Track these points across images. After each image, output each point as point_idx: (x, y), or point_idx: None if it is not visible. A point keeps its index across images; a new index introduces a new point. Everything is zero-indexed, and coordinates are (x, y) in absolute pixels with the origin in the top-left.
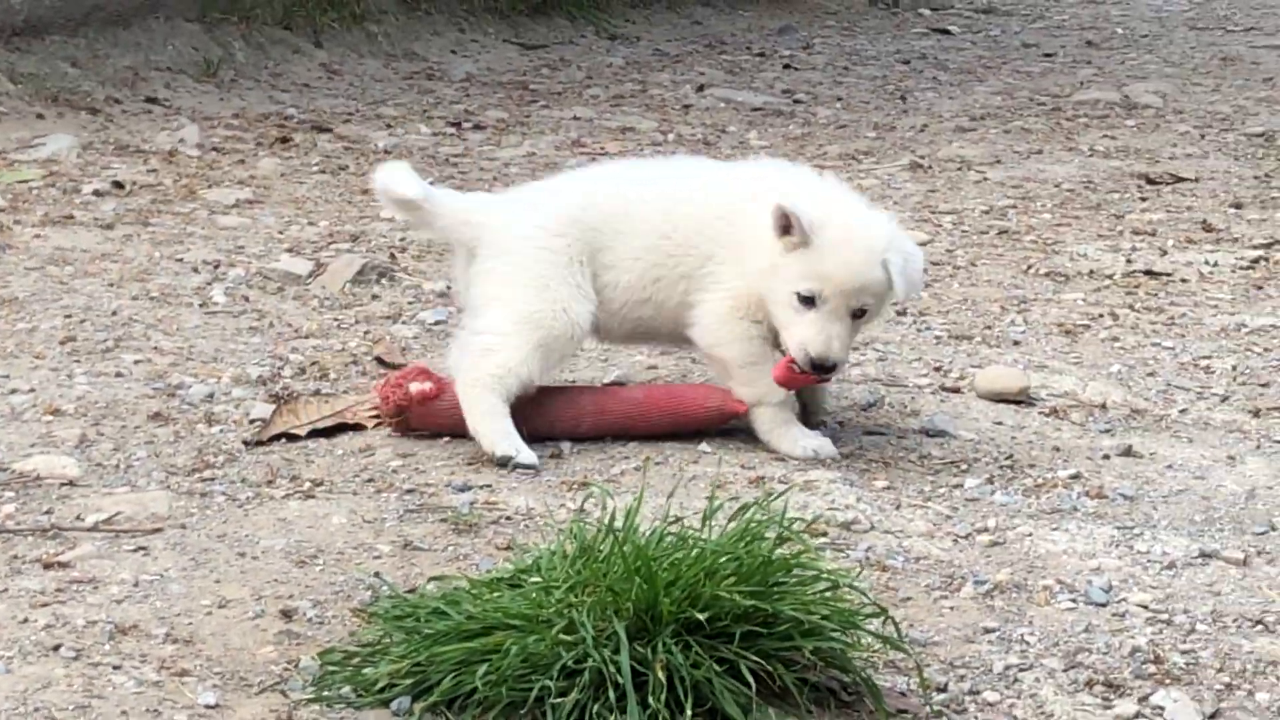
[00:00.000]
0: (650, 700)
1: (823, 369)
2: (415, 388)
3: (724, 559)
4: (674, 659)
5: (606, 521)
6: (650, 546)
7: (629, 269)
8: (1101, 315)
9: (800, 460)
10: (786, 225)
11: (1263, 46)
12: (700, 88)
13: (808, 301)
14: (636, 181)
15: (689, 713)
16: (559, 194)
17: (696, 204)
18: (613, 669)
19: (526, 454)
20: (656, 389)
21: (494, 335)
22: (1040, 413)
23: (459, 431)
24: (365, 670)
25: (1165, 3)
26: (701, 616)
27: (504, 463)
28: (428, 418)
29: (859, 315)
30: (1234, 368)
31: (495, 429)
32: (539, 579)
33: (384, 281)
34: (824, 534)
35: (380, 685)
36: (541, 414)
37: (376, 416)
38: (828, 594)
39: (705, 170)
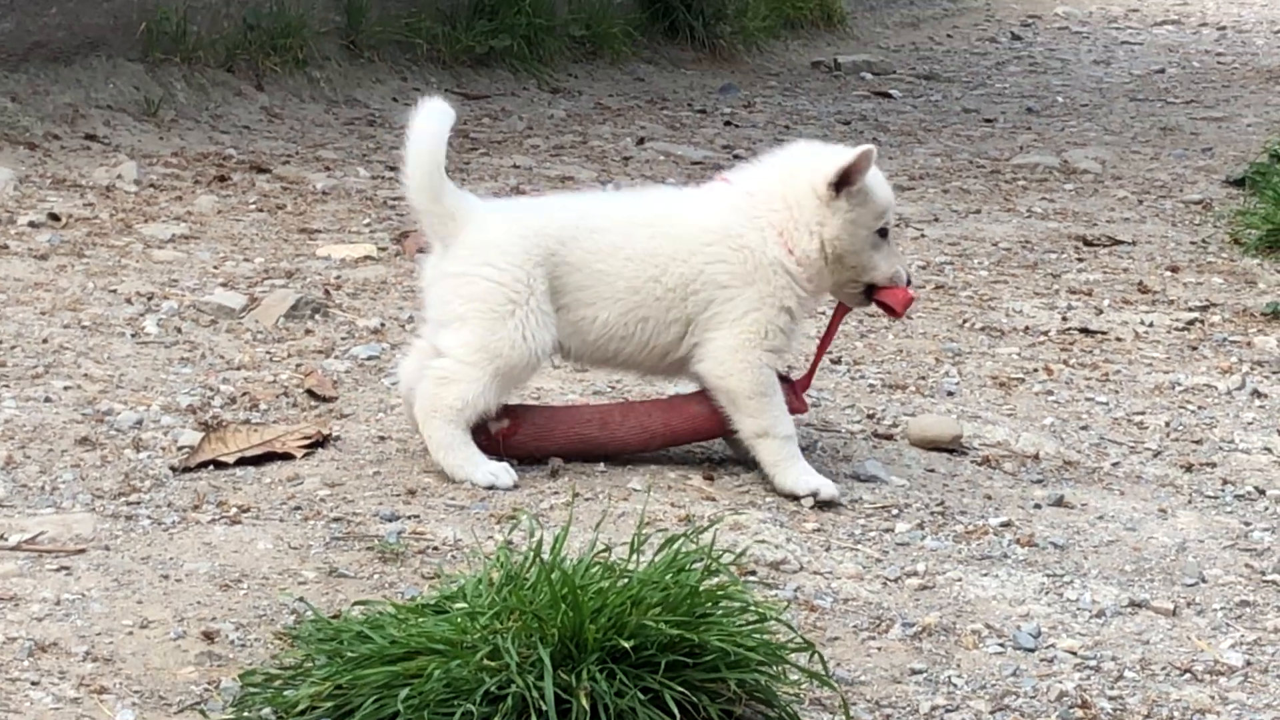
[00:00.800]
0: None
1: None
2: (494, 427)
3: (651, 589)
4: (598, 687)
5: (533, 550)
6: (577, 575)
7: (607, 308)
8: (1036, 370)
9: (800, 497)
10: (846, 179)
11: (1202, 119)
12: (640, 140)
13: (883, 233)
14: (619, 218)
15: None
16: (544, 215)
17: (684, 245)
18: (536, 695)
19: (503, 477)
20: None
21: (453, 363)
22: (973, 461)
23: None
24: (286, 692)
25: (1106, 74)
26: (627, 645)
27: (489, 487)
28: (525, 446)
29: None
30: (1167, 424)
31: (460, 460)
32: (464, 605)
33: (317, 317)
34: (753, 572)
35: (301, 707)
36: (610, 434)
37: (306, 445)
38: (755, 627)
39: (681, 204)
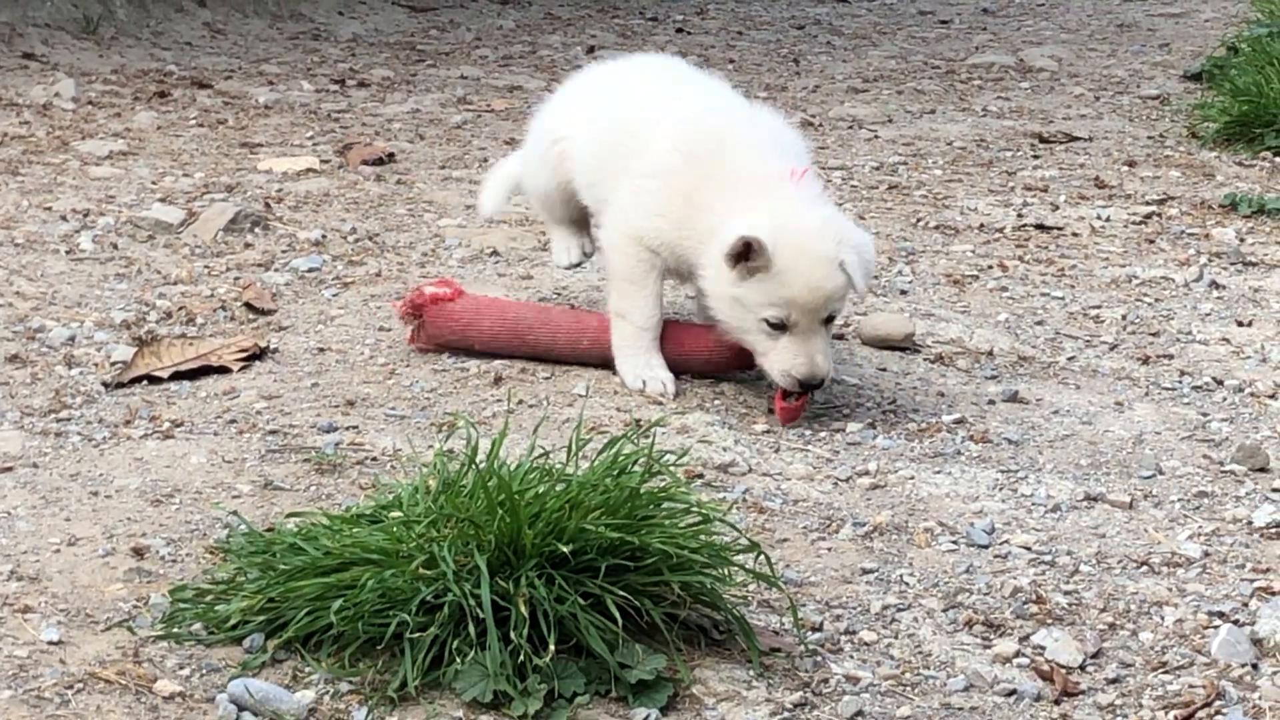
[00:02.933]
0: (512, 635)
1: (813, 387)
2: (431, 290)
3: (590, 492)
4: (537, 593)
5: (469, 455)
6: (515, 480)
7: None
8: (991, 267)
9: (628, 388)
10: (745, 253)
11: (1159, 14)
12: (591, 49)
13: (779, 327)
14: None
15: (552, 647)
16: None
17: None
18: (473, 603)
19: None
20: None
21: None
22: (925, 359)
23: (465, 345)
24: (217, 607)
25: None
26: (566, 549)
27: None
28: (440, 322)
29: (829, 322)
30: (1123, 317)
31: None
32: (399, 514)
33: (258, 230)
34: (700, 475)
35: (232, 622)
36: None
37: (243, 359)
38: (698, 529)
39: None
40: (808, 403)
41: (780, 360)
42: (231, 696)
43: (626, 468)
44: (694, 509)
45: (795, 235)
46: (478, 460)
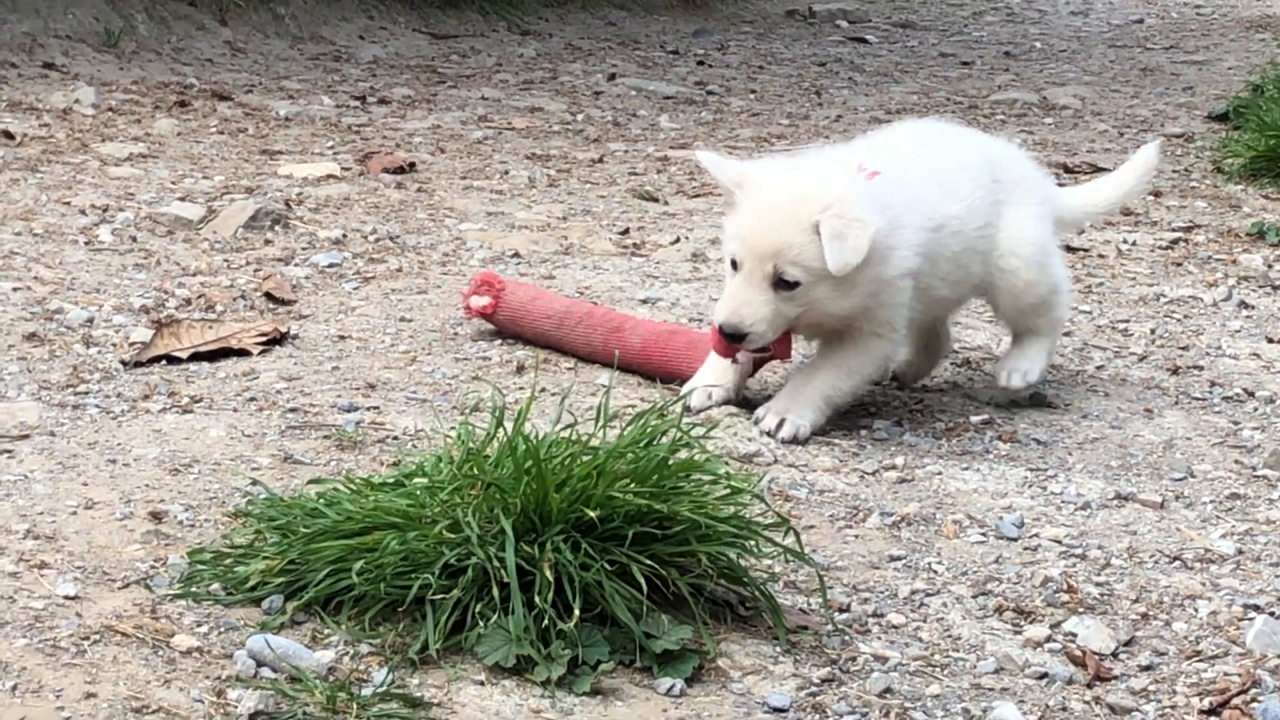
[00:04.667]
0: (536, 600)
1: (730, 337)
2: (475, 302)
3: (619, 460)
4: (562, 558)
5: (495, 418)
6: (542, 446)
7: None
8: None
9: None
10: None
11: (1182, 62)
12: (612, 76)
13: (733, 265)
14: None
15: (577, 613)
16: None
17: None
18: (497, 566)
19: None
20: (655, 343)
21: None
22: (953, 363)
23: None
24: (237, 568)
25: (1084, 23)
26: (593, 514)
27: None
28: (496, 324)
29: (783, 286)
30: (1152, 331)
31: None
32: (423, 480)
33: (277, 228)
34: (725, 464)
35: (251, 583)
36: (564, 341)
37: (263, 342)
38: (727, 499)
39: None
40: (739, 356)
41: (722, 297)
42: (250, 651)
43: (655, 439)
44: (723, 480)
45: (778, 177)
46: (504, 427)
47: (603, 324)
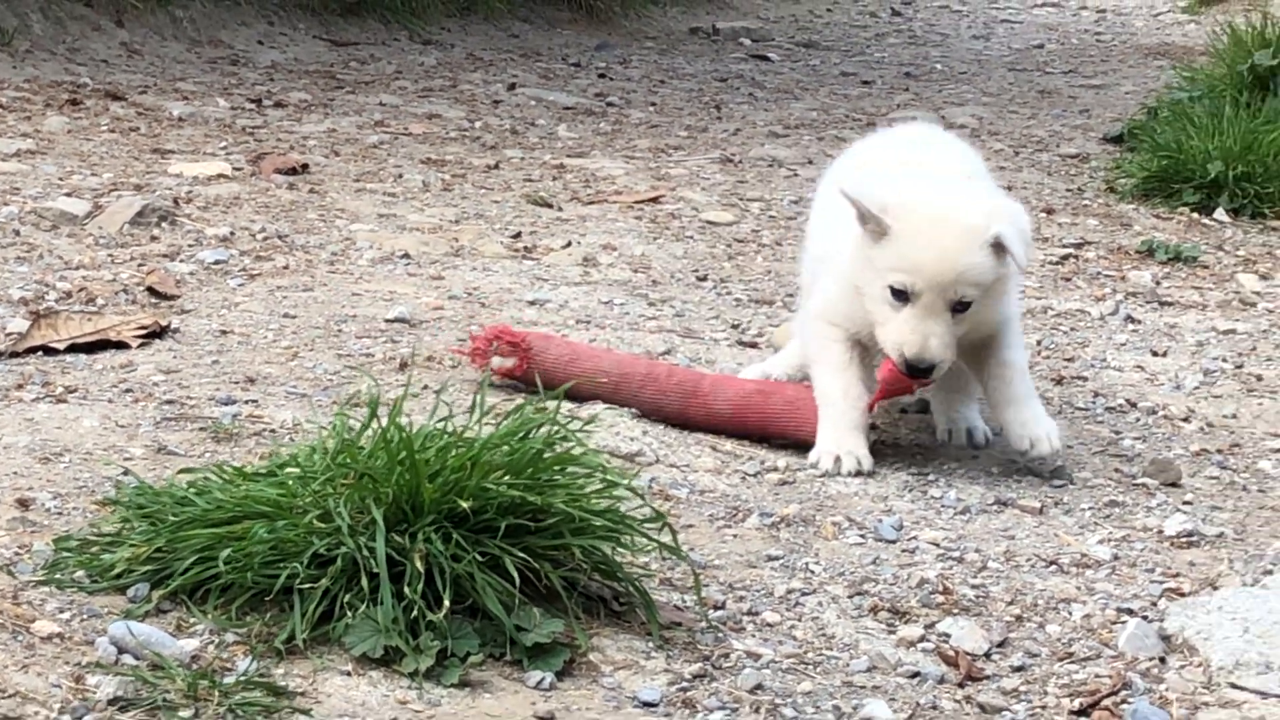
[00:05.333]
0: (406, 591)
1: (918, 371)
2: (497, 363)
3: (494, 452)
4: (434, 549)
5: (370, 409)
6: (417, 438)
7: None
8: None
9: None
10: (862, 213)
11: (1080, 86)
12: (512, 86)
13: (900, 296)
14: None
15: (447, 604)
16: None
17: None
18: (367, 556)
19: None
20: (747, 407)
21: None
22: None
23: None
24: (103, 556)
25: (985, 47)
26: (466, 505)
27: None
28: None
29: (960, 309)
30: (1039, 342)
31: None
32: (296, 470)
33: (164, 225)
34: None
35: (117, 571)
36: (628, 403)
37: (142, 335)
38: (602, 493)
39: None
40: (914, 389)
41: (895, 332)
42: (112, 638)
43: (531, 431)
44: (599, 474)
45: (930, 198)
46: (378, 417)
47: (675, 388)
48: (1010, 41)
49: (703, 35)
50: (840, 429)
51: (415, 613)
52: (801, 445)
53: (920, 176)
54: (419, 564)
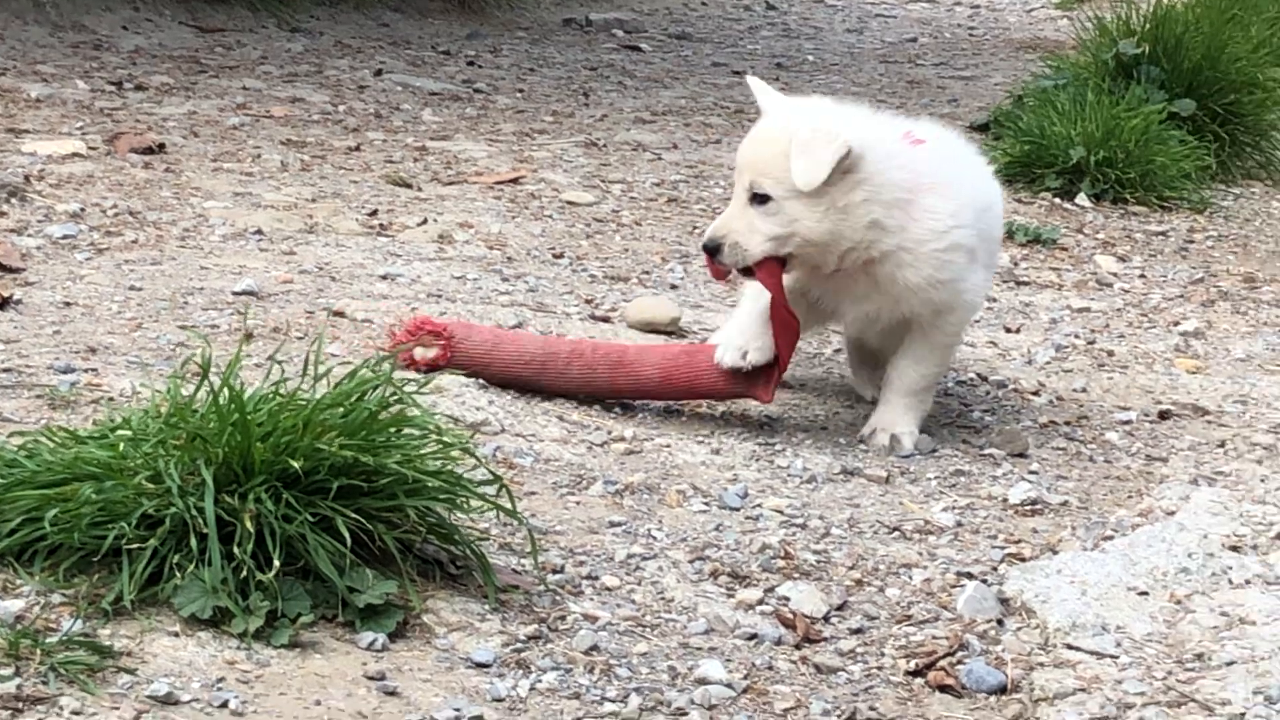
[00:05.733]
0: (236, 552)
1: (708, 249)
2: (420, 353)
3: (329, 412)
4: (264, 509)
5: (202, 369)
6: (251, 401)
7: None
8: None
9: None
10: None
11: (950, 77)
12: (378, 72)
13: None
14: None
15: (277, 564)
16: None
17: None
18: (196, 516)
19: None
20: (674, 370)
21: None
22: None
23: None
24: None
25: (858, 40)
26: (298, 466)
27: None
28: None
29: (759, 200)
30: None
31: None
32: (128, 433)
33: (14, 201)
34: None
35: None
36: (553, 385)
37: None
38: (437, 453)
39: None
40: (723, 272)
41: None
42: None
43: (366, 393)
44: (433, 435)
45: (788, 108)
46: (210, 380)
47: (601, 360)
48: (883, 35)
49: (575, 26)
50: (739, 322)
51: (245, 573)
52: (693, 411)
53: (829, 103)
54: (249, 524)
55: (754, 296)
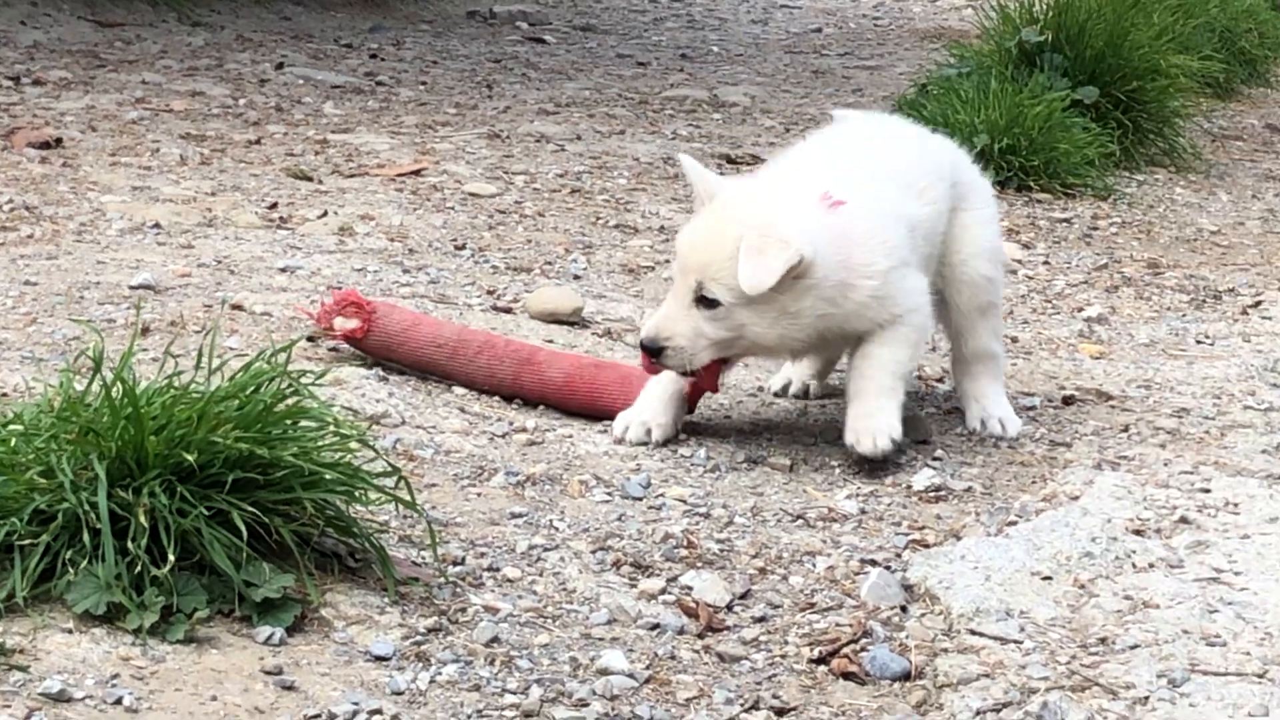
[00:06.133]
0: (130, 547)
1: (648, 350)
2: (340, 324)
3: (224, 405)
4: (159, 503)
5: (94, 361)
6: (145, 394)
7: None
8: (669, 260)
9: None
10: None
11: (855, 67)
12: (280, 65)
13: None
14: None
15: (172, 559)
16: None
17: None
18: (89, 511)
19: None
20: (579, 376)
21: None
22: (594, 334)
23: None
24: None
25: (763, 31)
26: (192, 459)
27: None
28: (358, 349)
29: (705, 304)
30: None
31: None
32: (19, 428)
33: None
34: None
35: None
36: (461, 372)
37: None
38: (334, 445)
39: None
40: (661, 370)
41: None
42: None
43: (262, 385)
44: (330, 427)
45: (726, 196)
46: (104, 372)
47: (511, 355)
48: (788, 26)
49: (479, 19)
50: (646, 400)
51: (140, 569)
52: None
53: (759, 181)
54: (143, 519)
55: (670, 380)
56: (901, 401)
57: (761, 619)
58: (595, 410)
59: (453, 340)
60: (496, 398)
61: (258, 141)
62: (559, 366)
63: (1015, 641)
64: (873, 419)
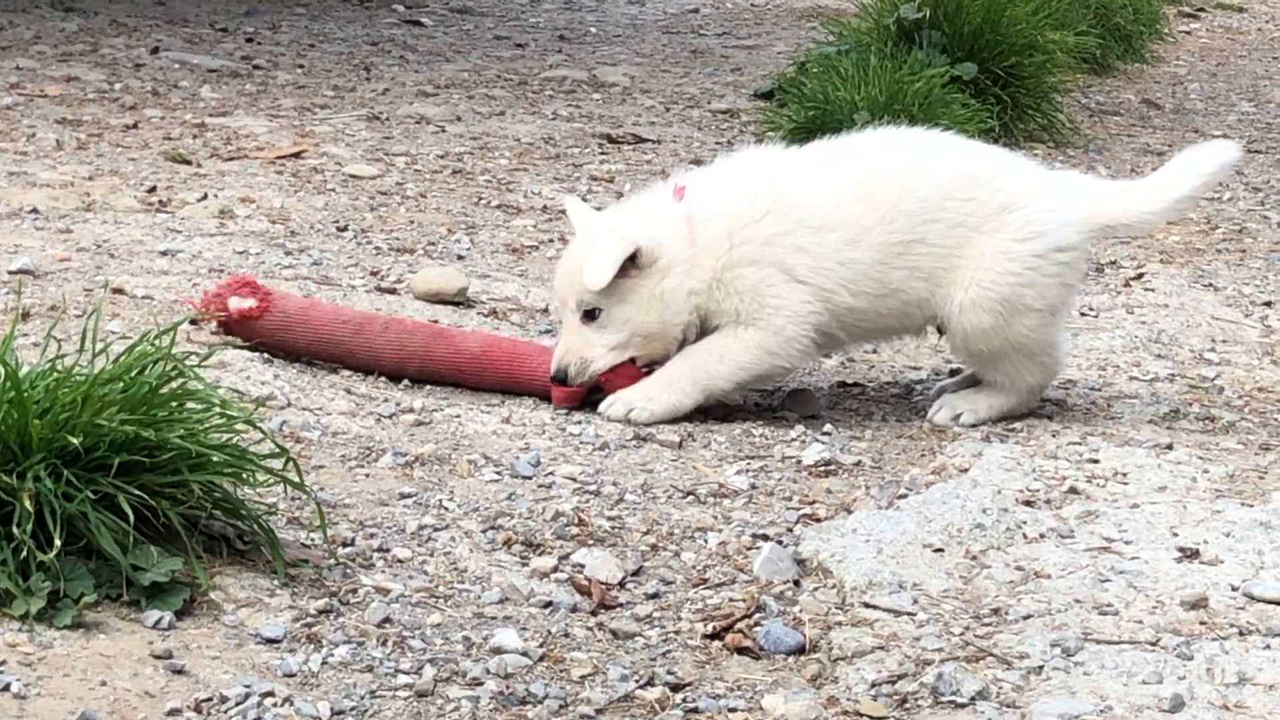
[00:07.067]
0: (15, 532)
1: (561, 382)
2: (235, 304)
3: (107, 388)
4: (43, 488)
5: None
6: (28, 378)
7: None
8: (551, 240)
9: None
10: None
11: (734, 46)
12: (155, 50)
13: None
14: None
15: (58, 544)
16: None
17: None
18: None
19: None
20: (495, 345)
21: None
22: (479, 314)
23: (283, 348)
24: None
25: (640, 12)
26: (76, 442)
27: None
28: (251, 334)
29: (589, 318)
30: None
31: None
32: None
33: None
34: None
35: None
36: (367, 348)
37: None
38: (221, 426)
39: None
40: (576, 394)
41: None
42: None
43: (147, 368)
44: (217, 409)
45: (595, 220)
46: None
47: (422, 328)
48: (665, 6)
49: (355, 2)
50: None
51: (25, 554)
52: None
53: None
54: (28, 503)
55: None
56: (685, 406)
57: (654, 595)
58: (511, 379)
59: (356, 320)
60: (383, 379)
61: (135, 126)
62: (474, 339)
63: (909, 614)
64: (640, 391)
